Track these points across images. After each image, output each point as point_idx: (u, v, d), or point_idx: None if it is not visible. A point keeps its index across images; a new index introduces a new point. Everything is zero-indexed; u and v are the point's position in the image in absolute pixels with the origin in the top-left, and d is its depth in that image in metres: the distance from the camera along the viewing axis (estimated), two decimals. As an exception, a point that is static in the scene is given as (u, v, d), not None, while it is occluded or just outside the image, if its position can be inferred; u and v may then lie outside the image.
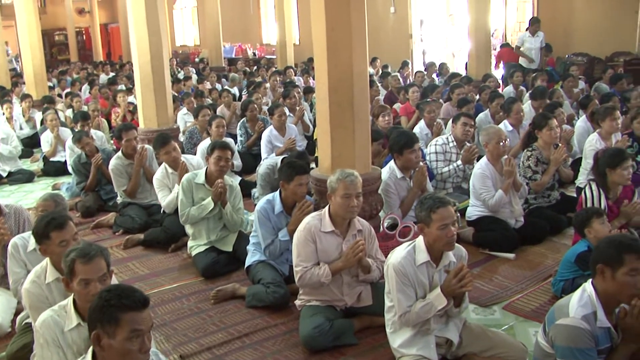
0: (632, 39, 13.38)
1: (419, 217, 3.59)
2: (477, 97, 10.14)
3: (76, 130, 8.29)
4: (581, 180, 6.53)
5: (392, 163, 5.72)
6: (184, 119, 9.81)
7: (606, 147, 6.24)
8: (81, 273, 3.00)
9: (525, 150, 6.19)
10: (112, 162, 6.71)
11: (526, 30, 13.13)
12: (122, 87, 13.30)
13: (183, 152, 8.52)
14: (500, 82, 12.25)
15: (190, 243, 5.61)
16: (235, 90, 13.24)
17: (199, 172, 5.55)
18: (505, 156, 5.74)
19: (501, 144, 5.65)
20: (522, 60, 12.93)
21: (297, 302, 4.29)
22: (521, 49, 12.82)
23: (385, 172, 5.66)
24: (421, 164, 5.73)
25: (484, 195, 5.60)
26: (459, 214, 5.17)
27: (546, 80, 10.63)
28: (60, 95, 13.28)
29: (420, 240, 3.62)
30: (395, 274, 3.51)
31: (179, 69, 18.43)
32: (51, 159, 9.29)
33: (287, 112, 8.58)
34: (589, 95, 8.80)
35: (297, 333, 4.16)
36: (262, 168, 6.76)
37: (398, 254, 3.59)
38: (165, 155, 6.11)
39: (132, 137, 6.68)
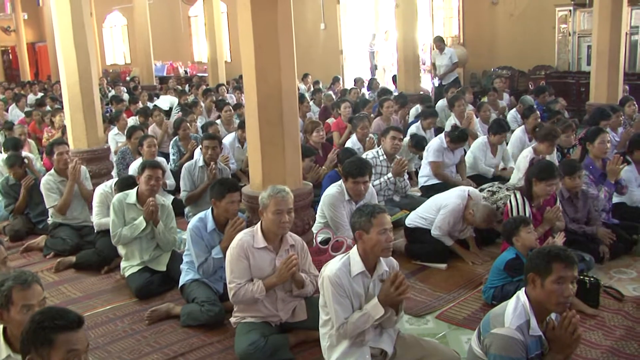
0: (552, 53, 13.93)
1: (358, 223, 3.58)
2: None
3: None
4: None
5: (342, 182, 5.71)
6: (115, 139, 9.67)
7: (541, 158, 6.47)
8: (21, 299, 2.90)
9: (512, 194, 6.17)
10: (44, 178, 6.58)
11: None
12: (48, 108, 13.00)
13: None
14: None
15: (123, 264, 5.52)
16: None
17: (130, 192, 5.49)
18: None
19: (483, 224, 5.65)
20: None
21: (232, 320, 4.28)
22: (436, 65, 13.14)
23: (334, 187, 5.68)
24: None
25: (441, 228, 5.65)
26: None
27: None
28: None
29: (354, 251, 3.63)
30: (331, 286, 3.50)
31: (110, 88, 18.15)
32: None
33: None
34: (532, 107, 9.04)
35: (233, 350, 4.15)
36: (182, 170, 7.01)
37: (333, 265, 3.59)
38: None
39: (63, 150, 6.57)
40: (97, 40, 24.65)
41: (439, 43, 13.02)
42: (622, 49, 9.88)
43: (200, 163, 6.97)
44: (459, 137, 7.52)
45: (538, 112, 8.53)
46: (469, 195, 5.66)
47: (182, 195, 6.98)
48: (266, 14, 4.87)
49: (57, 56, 7.79)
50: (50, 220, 6.68)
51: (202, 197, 6.76)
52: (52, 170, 6.62)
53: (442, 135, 7.70)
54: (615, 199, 6.16)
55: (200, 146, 7.10)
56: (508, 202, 5.41)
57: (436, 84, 13.03)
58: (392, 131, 6.97)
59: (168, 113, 13.35)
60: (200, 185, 6.85)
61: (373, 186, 6.65)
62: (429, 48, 16.32)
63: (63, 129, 9.70)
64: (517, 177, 6.76)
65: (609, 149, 6.41)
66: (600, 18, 9.81)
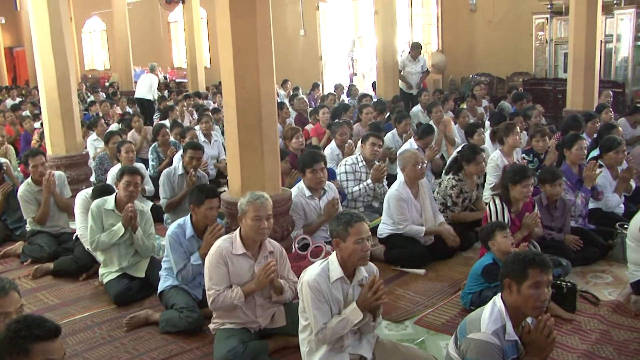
0: (529, 60, 14.08)
1: (335, 231, 3.60)
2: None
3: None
4: (486, 195, 6.78)
5: (301, 182, 5.82)
6: (94, 144, 9.61)
7: (512, 163, 6.55)
8: None
9: (450, 176, 6.32)
10: (21, 188, 6.51)
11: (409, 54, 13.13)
12: (27, 113, 12.91)
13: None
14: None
15: (101, 270, 5.49)
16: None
17: (109, 198, 5.46)
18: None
19: (418, 167, 5.74)
20: (402, 85, 12.98)
21: (211, 326, 4.26)
22: (402, 73, 12.85)
23: (294, 191, 5.74)
24: (333, 196, 5.82)
25: (400, 220, 5.73)
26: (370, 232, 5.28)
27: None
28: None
29: (333, 257, 3.63)
30: (310, 291, 3.50)
31: (89, 94, 18.04)
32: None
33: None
34: (502, 112, 9.13)
35: (212, 357, 4.14)
36: (162, 176, 7.01)
37: (312, 271, 3.60)
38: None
39: (38, 162, 6.47)
40: (76, 46, 24.58)
41: (415, 50, 12.89)
42: (597, 56, 10.05)
43: (180, 171, 6.94)
44: (425, 131, 7.71)
45: (506, 117, 8.63)
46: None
47: (162, 202, 6.96)
48: (245, 19, 4.89)
49: (35, 61, 7.73)
50: (28, 227, 6.61)
51: (182, 203, 6.74)
52: (30, 179, 6.54)
53: (411, 139, 7.84)
54: (591, 204, 6.24)
55: (179, 152, 7.07)
56: (487, 207, 5.44)
57: (414, 93, 12.96)
58: (371, 137, 6.99)
59: (152, 108, 13.39)
60: (180, 192, 6.83)
61: (352, 192, 6.70)
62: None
63: (41, 134, 9.63)
64: (489, 181, 6.91)
65: (585, 155, 6.50)
66: (576, 26, 9.97)
